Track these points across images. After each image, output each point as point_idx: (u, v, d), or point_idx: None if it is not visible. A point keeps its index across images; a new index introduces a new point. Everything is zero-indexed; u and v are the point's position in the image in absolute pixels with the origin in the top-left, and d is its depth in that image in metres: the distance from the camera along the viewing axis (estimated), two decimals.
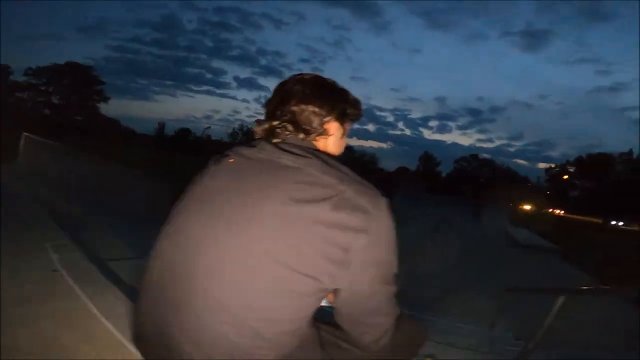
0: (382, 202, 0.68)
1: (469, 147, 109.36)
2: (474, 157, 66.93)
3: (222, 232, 0.65)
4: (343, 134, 0.85)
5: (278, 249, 0.62)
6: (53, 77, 39.04)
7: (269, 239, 0.63)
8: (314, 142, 0.78)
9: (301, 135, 0.77)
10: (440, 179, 64.44)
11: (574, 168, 44.58)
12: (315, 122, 0.77)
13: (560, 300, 2.11)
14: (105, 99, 43.11)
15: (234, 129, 67.51)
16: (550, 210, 49.25)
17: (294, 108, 0.76)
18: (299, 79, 0.81)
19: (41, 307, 1.48)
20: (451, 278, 6.56)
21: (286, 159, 0.69)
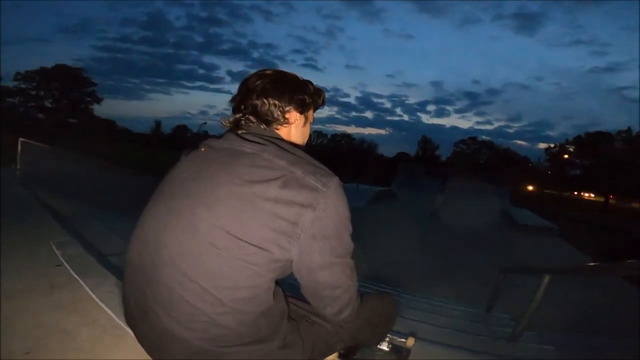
0: (332, 182, 0.76)
1: (468, 130, 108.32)
2: (473, 139, 66.39)
3: (185, 212, 0.75)
4: (306, 122, 0.94)
5: (231, 224, 0.72)
6: (43, 81, 38.20)
7: (223, 216, 0.72)
8: (275, 131, 0.87)
9: (263, 126, 0.85)
10: (439, 162, 64.23)
11: (574, 147, 44.37)
12: (276, 112, 0.85)
13: (546, 279, 2.16)
14: (99, 100, 42.57)
15: None
16: (551, 189, 49.34)
17: (256, 101, 0.85)
18: (260, 74, 0.88)
19: (46, 297, 1.62)
20: (449, 258, 6.67)
21: (245, 147, 0.79)
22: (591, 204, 35.78)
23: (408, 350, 1.30)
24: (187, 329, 0.73)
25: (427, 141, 69.94)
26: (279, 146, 0.80)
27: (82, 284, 1.77)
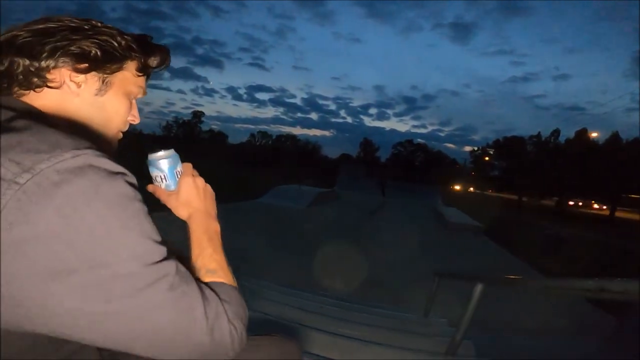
0: (53, 161, 0.37)
1: (406, 133, 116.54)
2: (409, 142, 71.11)
3: None
4: (108, 88, 0.58)
5: None
6: None
7: None
8: (19, 100, 0.52)
9: None
10: (380, 163, 67.38)
11: (493, 150, 49.68)
12: (22, 71, 0.51)
13: (479, 288, 2.06)
14: None
15: (167, 121, 62.91)
16: (474, 189, 54.71)
17: None
18: (23, 24, 0.54)
19: None
20: (385, 259, 6.71)
21: None
22: (508, 202, 40.28)
23: None
24: None
25: (368, 143, 73.04)
26: None
27: None
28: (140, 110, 0.67)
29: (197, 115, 66.28)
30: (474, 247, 9.96)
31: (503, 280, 2.04)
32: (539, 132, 44.01)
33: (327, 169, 46.22)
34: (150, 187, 0.68)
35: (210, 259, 0.59)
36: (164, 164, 0.66)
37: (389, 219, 14.09)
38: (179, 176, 0.68)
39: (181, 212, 0.67)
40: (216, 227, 0.66)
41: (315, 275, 5.47)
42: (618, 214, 34.57)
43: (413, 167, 62.13)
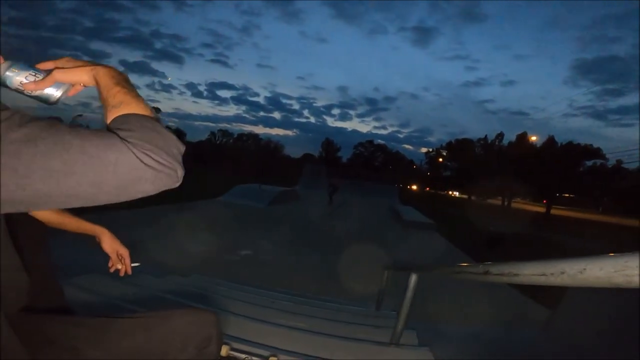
0: None
1: (367, 134, 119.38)
2: (370, 142, 73.12)
3: None
4: None
5: None
6: None
7: None
8: None
9: None
10: (341, 163, 68.47)
11: (446, 152, 52.64)
12: None
13: (414, 278, 2.23)
14: None
15: None
16: (429, 189, 57.60)
17: None
18: None
19: None
20: (341, 255, 6.91)
21: None
22: (459, 202, 42.86)
23: None
24: None
25: (330, 143, 73.87)
26: None
27: None
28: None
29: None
30: (425, 242, 10.56)
31: (434, 268, 2.23)
32: (486, 135, 47.41)
33: (289, 169, 46.04)
34: (30, 86, 0.61)
35: (114, 97, 0.56)
36: (18, 66, 0.60)
37: (348, 217, 14.43)
38: (40, 68, 0.62)
39: (83, 75, 0.62)
40: (124, 75, 0.62)
41: (272, 272, 5.51)
42: (553, 211, 38.23)
43: (373, 167, 63.99)
